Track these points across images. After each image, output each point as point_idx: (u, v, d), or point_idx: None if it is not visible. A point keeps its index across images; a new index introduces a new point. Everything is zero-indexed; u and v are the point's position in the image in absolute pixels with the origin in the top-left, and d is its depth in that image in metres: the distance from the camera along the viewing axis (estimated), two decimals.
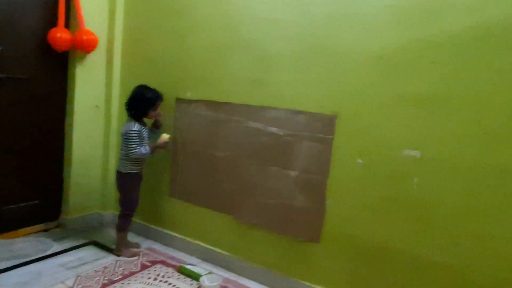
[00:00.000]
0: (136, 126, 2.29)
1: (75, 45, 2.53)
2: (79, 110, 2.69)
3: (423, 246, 1.73)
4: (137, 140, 2.28)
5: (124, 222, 2.45)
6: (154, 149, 2.37)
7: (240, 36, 2.24)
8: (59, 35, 2.45)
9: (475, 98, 1.60)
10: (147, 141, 2.38)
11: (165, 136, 2.38)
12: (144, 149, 2.30)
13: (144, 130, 2.35)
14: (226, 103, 2.32)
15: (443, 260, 1.69)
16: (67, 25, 2.57)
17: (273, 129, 2.14)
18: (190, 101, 2.48)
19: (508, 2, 1.52)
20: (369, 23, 1.83)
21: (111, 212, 2.91)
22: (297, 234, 2.09)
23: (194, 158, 2.48)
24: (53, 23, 2.50)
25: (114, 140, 2.85)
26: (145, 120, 2.41)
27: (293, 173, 2.08)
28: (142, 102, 2.31)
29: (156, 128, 2.54)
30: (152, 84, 2.64)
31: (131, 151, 2.28)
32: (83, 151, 2.75)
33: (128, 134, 2.27)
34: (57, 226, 2.78)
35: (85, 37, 2.51)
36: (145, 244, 2.64)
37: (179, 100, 2.53)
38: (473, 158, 1.61)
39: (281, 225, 2.14)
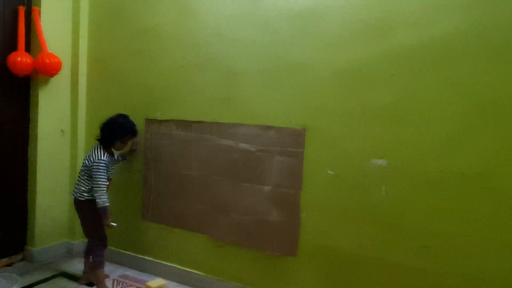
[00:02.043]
0: (105, 156, 2.19)
1: (37, 69, 2.46)
2: (43, 136, 2.59)
3: (395, 252, 1.78)
4: (104, 173, 2.17)
5: (98, 256, 2.26)
6: (105, 213, 2.17)
7: (207, 55, 2.27)
8: (20, 59, 2.38)
9: (432, 107, 1.70)
10: (111, 175, 2.32)
11: (112, 225, 2.20)
12: (105, 200, 2.14)
13: (111, 161, 2.27)
14: (196, 122, 2.32)
15: (415, 264, 1.74)
16: (28, 49, 2.50)
17: (244, 146, 2.16)
18: (160, 121, 2.46)
19: (452, 17, 1.64)
20: (329, 40, 1.91)
21: (81, 240, 2.79)
22: (273, 249, 2.09)
23: (166, 179, 2.44)
24: (13, 47, 2.42)
25: (81, 166, 2.75)
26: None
27: (266, 188, 2.10)
28: (111, 130, 2.23)
29: (129, 154, 2.49)
30: (120, 106, 2.62)
31: (96, 186, 2.14)
32: (49, 178, 2.64)
33: (96, 165, 2.15)
34: (22, 259, 2.63)
35: (47, 61, 2.44)
36: (118, 271, 2.54)
37: (148, 121, 2.50)
38: (435, 164, 1.69)
39: (257, 241, 2.13)
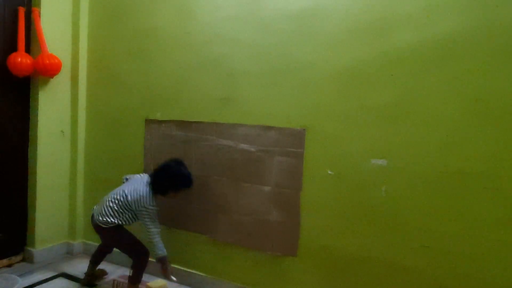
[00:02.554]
0: (154, 202, 2.07)
1: (37, 70, 2.46)
2: (43, 136, 2.59)
3: (395, 252, 1.79)
4: (156, 219, 2.07)
5: (136, 273, 2.14)
6: (163, 263, 2.07)
7: (207, 56, 2.27)
8: (20, 60, 2.38)
9: (432, 107, 1.70)
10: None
11: (170, 279, 2.11)
12: (162, 248, 2.05)
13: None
14: (196, 122, 2.32)
15: (415, 264, 1.75)
16: (28, 50, 2.50)
17: (244, 146, 2.16)
18: (160, 122, 2.46)
19: (450, 18, 1.65)
20: (329, 40, 1.92)
21: (81, 241, 2.79)
22: (274, 249, 2.09)
23: None
24: (13, 47, 2.42)
25: (81, 166, 2.77)
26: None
27: (266, 188, 2.10)
28: (171, 179, 2.07)
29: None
30: (120, 106, 2.62)
31: (151, 235, 2.04)
32: (49, 178, 2.64)
33: (150, 210, 2.05)
34: (22, 260, 2.62)
35: (47, 61, 2.44)
36: (119, 272, 2.54)
37: (148, 121, 2.51)
38: (435, 164, 1.70)
39: (257, 241, 2.13)
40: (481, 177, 1.61)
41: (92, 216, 2.19)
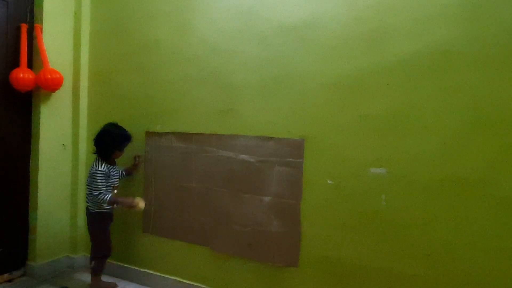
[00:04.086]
0: (103, 167, 2.25)
1: (39, 85, 2.49)
2: (45, 150, 2.61)
3: (396, 261, 1.78)
4: (103, 181, 2.24)
5: (97, 265, 2.35)
6: (116, 202, 2.27)
7: (206, 69, 2.31)
8: (22, 75, 2.41)
9: (429, 115, 1.72)
10: (116, 183, 2.35)
11: (140, 204, 2.24)
12: (106, 196, 2.22)
13: (113, 170, 2.32)
14: (196, 134, 2.34)
15: (416, 273, 1.74)
16: (30, 65, 2.54)
17: (244, 157, 2.17)
18: (160, 134, 2.48)
19: (445, 28, 1.67)
20: (325, 51, 1.95)
21: (82, 255, 2.78)
22: (275, 260, 2.08)
23: (167, 191, 2.45)
24: (15, 63, 2.47)
25: (83, 180, 2.78)
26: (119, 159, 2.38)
27: (266, 199, 2.10)
28: (107, 141, 2.27)
29: (134, 169, 2.51)
30: (121, 119, 2.64)
31: (94, 192, 2.22)
32: (50, 193, 2.65)
33: (94, 175, 2.23)
34: (23, 275, 2.61)
35: (49, 76, 2.48)
36: (121, 285, 2.52)
37: (149, 134, 2.53)
38: (433, 172, 1.70)
39: (258, 252, 2.13)
40: (480, 185, 1.62)
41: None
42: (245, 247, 2.16)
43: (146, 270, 2.53)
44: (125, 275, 2.61)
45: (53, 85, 2.52)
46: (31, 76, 2.45)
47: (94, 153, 2.32)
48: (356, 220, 1.87)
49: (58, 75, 2.54)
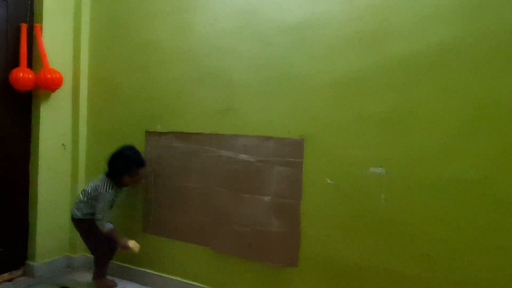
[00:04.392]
0: (110, 190, 2.22)
1: (38, 85, 2.49)
2: (44, 150, 2.61)
3: (395, 260, 1.78)
4: (108, 204, 2.23)
5: (100, 267, 2.36)
6: (111, 236, 2.23)
7: (206, 68, 2.31)
8: (22, 75, 2.41)
9: (429, 115, 1.72)
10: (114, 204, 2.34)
11: (134, 246, 2.21)
12: (107, 225, 2.20)
13: (119, 193, 2.31)
14: (196, 134, 2.34)
15: (416, 273, 1.74)
16: (30, 65, 2.54)
17: (244, 157, 2.18)
18: (160, 134, 2.48)
19: (445, 27, 1.68)
20: (325, 51, 1.95)
21: (82, 254, 2.78)
22: (275, 260, 2.08)
23: (167, 191, 2.45)
24: (15, 63, 2.47)
25: (82, 179, 2.77)
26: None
27: (266, 199, 2.10)
28: (118, 163, 2.22)
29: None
30: (121, 119, 2.65)
31: (97, 215, 2.19)
32: (50, 192, 2.65)
33: (101, 196, 2.20)
34: (23, 274, 2.61)
35: (49, 76, 2.47)
36: (120, 284, 2.52)
37: (149, 133, 2.53)
38: (433, 172, 1.71)
39: (258, 252, 2.13)
40: (479, 184, 1.62)
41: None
42: (245, 247, 2.16)
43: (146, 270, 2.54)
44: (125, 275, 2.61)
45: (53, 85, 2.51)
46: (31, 76, 2.45)
47: (105, 174, 2.27)
48: (355, 220, 1.87)
49: (58, 75, 2.54)
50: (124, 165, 2.22)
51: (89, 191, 2.28)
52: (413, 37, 1.75)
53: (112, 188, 2.23)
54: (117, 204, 2.63)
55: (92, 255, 2.44)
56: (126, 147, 2.31)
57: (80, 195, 2.33)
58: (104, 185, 2.23)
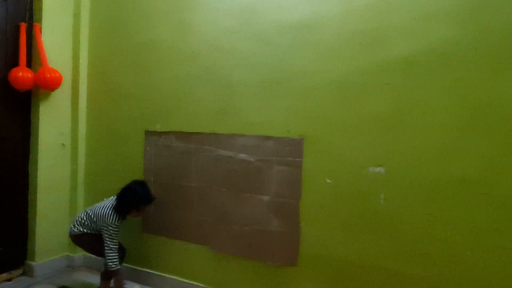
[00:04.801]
0: (118, 221, 2.22)
1: (38, 84, 2.49)
2: (44, 149, 2.61)
3: (395, 259, 1.78)
4: (116, 235, 2.22)
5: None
6: (115, 275, 2.25)
7: (205, 67, 2.31)
8: (21, 74, 2.41)
9: (428, 114, 1.72)
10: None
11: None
12: (117, 264, 2.19)
13: (121, 224, 2.28)
14: (196, 133, 2.34)
15: (415, 272, 1.74)
16: (29, 64, 2.53)
17: (243, 156, 2.17)
18: (159, 133, 2.48)
19: (445, 27, 1.68)
20: (325, 50, 1.95)
21: (82, 254, 2.78)
22: (274, 259, 2.08)
23: (166, 190, 2.45)
24: (15, 62, 2.46)
25: (82, 179, 2.78)
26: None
27: (266, 198, 2.10)
28: (127, 198, 2.22)
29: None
30: (120, 118, 2.65)
31: (107, 249, 2.18)
32: (49, 192, 2.65)
33: (110, 227, 2.19)
34: (22, 274, 2.61)
35: (48, 75, 2.47)
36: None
37: (148, 133, 2.53)
38: (432, 171, 1.71)
39: (257, 251, 2.13)
40: (478, 184, 1.62)
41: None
42: (245, 247, 2.17)
43: (145, 269, 2.54)
44: (124, 274, 2.60)
45: (52, 84, 2.51)
46: (30, 75, 2.45)
47: (114, 207, 2.23)
48: (355, 219, 1.87)
49: (57, 74, 2.54)
50: (134, 201, 2.22)
51: (93, 217, 2.25)
52: (412, 37, 1.75)
53: (118, 221, 2.22)
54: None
55: (96, 256, 2.42)
56: (137, 182, 2.31)
57: (82, 215, 2.30)
58: (112, 215, 2.21)
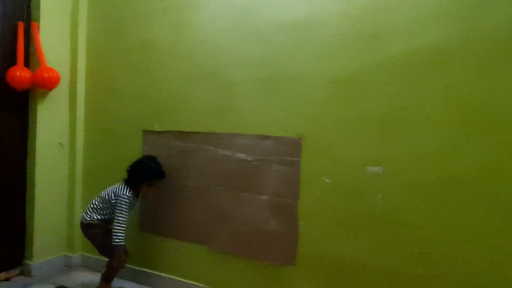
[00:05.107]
0: (130, 193, 2.21)
1: (36, 83, 2.48)
2: (42, 149, 2.60)
3: (393, 259, 1.78)
4: (127, 208, 2.19)
5: (111, 271, 2.27)
6: (117, 251, 2.18)
7: (203, 67, 2.30)
8: (19, 73, 2.40)
9: (426, 114, 1.72)
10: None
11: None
12: (122, 240, 2.16)
13: (134, 201, 2.28)
14: (194, 133, 2.34)
15: (413, 271, 1.74)
16: (27, 63, 2.53)
17: (241, 155, 2.17)
18: (158, 133, 2.48)
19: (443, 26, 1.68)
20: (323, 50, 1.95)
21: (79, 253, 2.78)
22: (272, 258, 2.08)
23: (164, 190, 2.44)
24: (12, 61, 2.46)
25: (80, 178, 2.77)
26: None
27: (264, 198, 2.10)
28: (138, 171, 2.21)
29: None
30: (118, 118, 2.65)
31: (116, 222, 2.14)
32: (47, 191, 2.64)
33: (121, 198, 2.17)
34: (20, 273, 2.60)
35: (46, 75, 2.47)
36: (117, 284, 2.52)
37: (146, 132, 2.52)
38: (430, 170, 1.71)
39: (255, 251, 2.13)
40: (476, 183, 1.62)
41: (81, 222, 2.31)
42: (243, 246, 2.16)
43: (143, 269, 2.53)
44: (122, 274, 2.60)
45: (50, 84, 2.51)
46: (27, 75, 2.44)
47: (124, 181, 2.25)
48: (353, 219, 1.87)
49: (55, 73, 2.53)
50: (146, 175, 2.22)
51: (106, 197, 2.25)
52: (410, 36, 1.75)
53: (130, 192, 2.21)
54: None
55: (99, 256, 2.42)
56: (148, 156, 2.32)
57: (95, 201, 2.29)
58: (121, 188, 2.22)
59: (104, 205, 2.25)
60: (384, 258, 1.80)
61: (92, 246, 2.36)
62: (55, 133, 2.69)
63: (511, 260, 1.57)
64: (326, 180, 1.94)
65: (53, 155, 2.68)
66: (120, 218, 2.17)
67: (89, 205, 2.31)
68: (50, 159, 2.65)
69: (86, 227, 2.27)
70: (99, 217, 2.26)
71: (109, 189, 2.28)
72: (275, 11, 2.07)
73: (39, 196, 2.60)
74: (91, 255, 2.71)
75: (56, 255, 2.72)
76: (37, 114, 2.58)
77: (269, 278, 2.10)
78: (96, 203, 2.28)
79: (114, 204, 2.21)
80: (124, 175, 2.60)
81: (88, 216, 2.26)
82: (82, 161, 2.78)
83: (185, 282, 2.36)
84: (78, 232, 2.76)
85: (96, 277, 2.42)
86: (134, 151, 2.55)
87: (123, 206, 2.18)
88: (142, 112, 2.54)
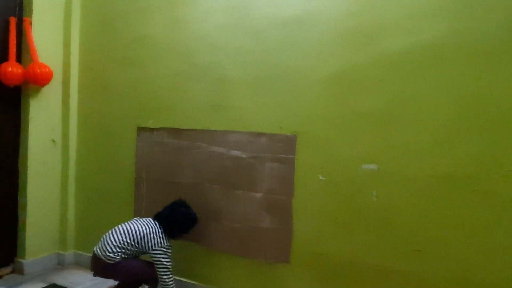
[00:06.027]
0: (169, 242, 2.10)
1: (28, 79, 2.45)
2: (34, 146, 2.57)
3: (387, 256, 1.78)
4: (170, 256, 2.09)
5: None
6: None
7: (198, 64, 2.29)
8: (10, 69, 2.37)
9: (421, 112, 1.72)
10: None
11: None
12: (172, 283, 2.08)
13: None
14: (188, 130, 2.32)
15: (407, 269, 1.74)
16: (19, 59, 2.49)
17: (236, 153, 2.16)
18: (152, 130, 2.46)
19: (437, 24, 1.68)
20: (318, 47, 1.94)
21: (72, 251, 2.76)
22: (266, 256, 2.08)
23: (158, 187, 2.43)
24: (4, 57, 2.42)
25: (72, 175, 2.75)
26: None
27: (258, 195, 2.10)
28: (179, 224, 2.12)
29: None
30: (112, 115, 2.62)
31: (165, 273, 2.04)
32: (39, 188, 2.61)
33: (164, 249, 2.05)
34: (12, 271, 2.58)
35: (38, 71, 2.44)
36: (110, 282, 2.50)
37: (140, 129, 2.50)
38: (424, 168, 1.71)
39: (249, 248, 2.12)
40: (470, 180, 1.62)
41: (95, 257, 2.04)
42: (237, 244, 2.16)
43: None
44: None
45: (43, 80, 2.48)
46: (20, 71, 2.41)
47: (163, 232, 2.09)
48: (347, 216, 1.87)
49: (47, 69, 2.50)
50: (185, 228, 2.15)
51: (135, 244, 2.02)
52: (405, 33, 1.74)
53: (169, 241, 2.11)
54: (109, 201, 2.62)
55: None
56: (183, 207, 2.16)
57: (120, 239, 2.00)
58: (161, 238, 2.07)
59: (136, 250, 2.04)
60: (378, 255, 1.80)
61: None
62: (48, 130, 2.66)
63: (503, 256, 1.57)
64: (321, 178, 1.93)
65: (46, 152, 2.65)
66: (168, 265, 2.07)
67: (111, 241, 2.00)
68: (42, 156, 2.63)
69: (110, 267, 1.99)
70: (124, 256, 2.02)
71: (141, 236, 2.03)
72: (270, 8, 2.06)
73: (31, 193, 2.58)
74: (83, 253, 2.68)
75: (48, 253, 2.70)
76: (30, 111, 2.55)
77: (264, 275, 2.10)
78: (125, 244, 2.00)
79: (150, 253, 2.06)
80: (117, 172, 2.57)
81: (116, 254, 1.98)
82: (75, 158, 2.75)
83: (179, 280, 2.34)
84: (71, 230, 2.75)
85: (88, 275, 2.40)
86: (128, 148, 2.53)
87: (167, 253, 2.07)
88: (136, 109, 2.52)
